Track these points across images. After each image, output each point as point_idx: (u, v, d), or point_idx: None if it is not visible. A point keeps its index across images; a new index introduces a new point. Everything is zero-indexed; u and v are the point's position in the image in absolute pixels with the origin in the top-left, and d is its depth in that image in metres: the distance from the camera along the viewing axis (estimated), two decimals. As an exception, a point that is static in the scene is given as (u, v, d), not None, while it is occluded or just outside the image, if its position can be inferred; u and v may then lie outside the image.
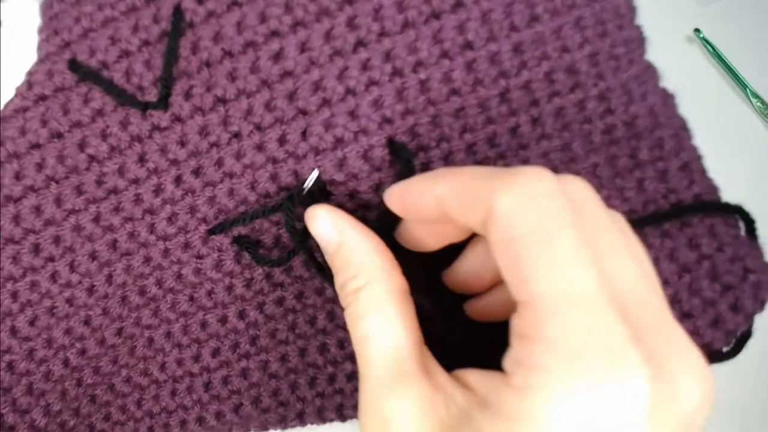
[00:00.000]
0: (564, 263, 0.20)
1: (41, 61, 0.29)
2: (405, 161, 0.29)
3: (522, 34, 0.30)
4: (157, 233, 0.31)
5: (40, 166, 0.30)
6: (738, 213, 0.32)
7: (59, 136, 0.30)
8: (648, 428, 0.19)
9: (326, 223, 0.27)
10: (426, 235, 0.27)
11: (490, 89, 0.30)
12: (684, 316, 0.31)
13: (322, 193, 0.30)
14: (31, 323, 0.32)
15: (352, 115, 0.29)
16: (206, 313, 0.34)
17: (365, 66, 0.29)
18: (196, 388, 0.35)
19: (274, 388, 0.35)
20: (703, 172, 0.33)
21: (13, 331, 0.32)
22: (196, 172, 0.30)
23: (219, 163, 0.30)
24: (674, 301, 0.31)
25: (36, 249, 0.31)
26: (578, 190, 0.22)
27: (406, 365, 0.23)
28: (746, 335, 0.32)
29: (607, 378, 0.19)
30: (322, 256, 0.30)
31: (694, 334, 0.31)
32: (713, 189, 0.33)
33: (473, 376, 0.22)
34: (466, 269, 0.27)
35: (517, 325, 0.21)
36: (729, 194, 0.36)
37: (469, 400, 0.21)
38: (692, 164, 0.33)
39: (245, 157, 0.30)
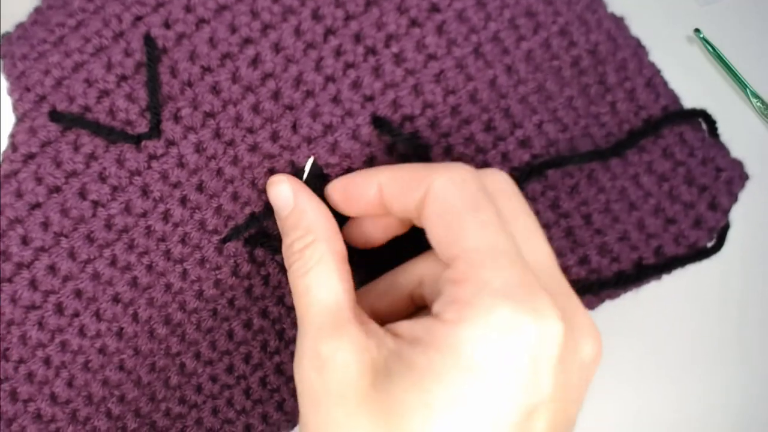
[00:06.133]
0: (489, 225, 0.24)
1: (20, 120, 0.29)
2: (409, 136, 0.31)
3: None
4: (173, 258, 0.32)
5: (45, 225, 0.29)
6: (701, 116, 0.35)
7: (57, 190, 0.29)
8: (557, 366, 0.23)
9: (285, 189, 0.30)
10: (371, 228, 0.30)
11: (463, 47, 0.32)
12: (668, 222, 0.34)
13: (319, 177, 0.32)
14: (69, 385, 0.31)
15: (335, 100, 0.31)
16: (231, 323, 0.34)
17: (338, 52, 0.31)
18: (237, 399, 0.36)
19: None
20: (664, 84, 0.35)
21: (53, 398, 0.31)
22: (199, 188, 0.31)
23: (219, 173, 0.31)
24: (658, 210, 0.34)
25: (59, 308, 0.30)
26: (497, 181, 0.27)
27: (343, 314, 0.26)
28: (725, 228, 0.34)
29: (528, 312, 0.22)
30: None
31: (681, 236, 0.34)
32: (676, 99, 0.35)
33: (402, 325, 0.25)
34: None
35: (449, 274, 0.24)
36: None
37: (399, 342, 0.24)
38: (654, 79, 0.35)
39: (242, 161, 0.31)
